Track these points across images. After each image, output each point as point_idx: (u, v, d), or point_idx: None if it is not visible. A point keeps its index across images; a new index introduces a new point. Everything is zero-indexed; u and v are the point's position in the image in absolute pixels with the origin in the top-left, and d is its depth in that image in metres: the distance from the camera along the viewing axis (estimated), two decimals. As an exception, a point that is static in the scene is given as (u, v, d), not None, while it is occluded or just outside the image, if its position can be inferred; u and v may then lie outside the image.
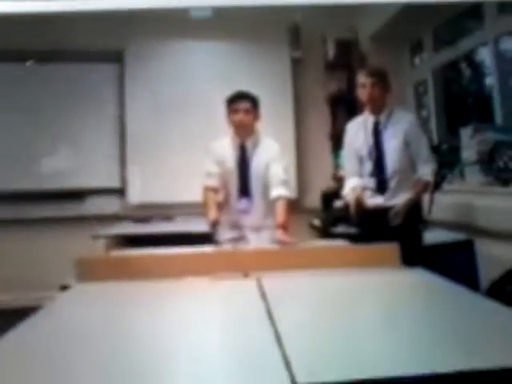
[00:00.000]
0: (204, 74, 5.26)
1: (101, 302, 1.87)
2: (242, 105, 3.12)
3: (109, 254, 2.92)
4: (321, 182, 5.17)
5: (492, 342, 1.30)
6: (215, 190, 3.15)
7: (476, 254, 3.36)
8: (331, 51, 5.35)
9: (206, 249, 2.60)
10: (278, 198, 3.01)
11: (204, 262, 2.21)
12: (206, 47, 5.36)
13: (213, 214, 2.98)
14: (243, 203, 3.17)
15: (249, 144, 3.18)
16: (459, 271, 2.96)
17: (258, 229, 3.16)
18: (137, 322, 1.58)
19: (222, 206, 3.15)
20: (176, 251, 2.50)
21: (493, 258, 3.17)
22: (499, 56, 3.86)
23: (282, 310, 1.64)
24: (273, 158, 3.14)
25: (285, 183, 3.09)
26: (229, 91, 3.22)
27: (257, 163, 3.16)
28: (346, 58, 5.28)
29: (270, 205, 3.06)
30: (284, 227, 2.88)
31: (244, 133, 3.17)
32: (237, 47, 5.33)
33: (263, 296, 1.81)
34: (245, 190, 3.17)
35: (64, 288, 2.09)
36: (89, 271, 2.16)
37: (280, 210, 2.97)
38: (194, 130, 5.07)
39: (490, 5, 3.74)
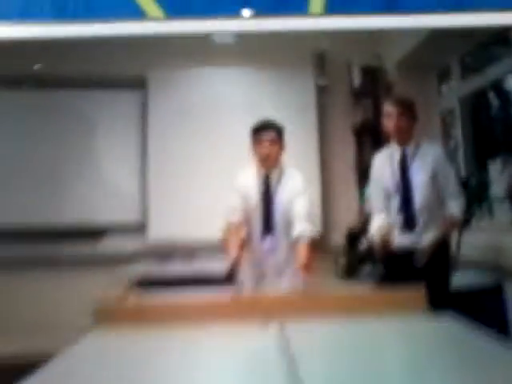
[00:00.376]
0: (228, 102, 5.24)
1: (111, 359, 1.80)
2: (267, 135, 3.05)
3: (127, 299, 2.86)
4: (347, 218, 5.05)
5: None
6: (238, 227, 3.06)
7: (506, 299, 3.24)
8: (357, 79, 5.32)
9: (226, 294, 2.54)
10: (302, 236, 2.90)
11: (223, 309, 2.16)
12: (230, 74, 5.36)
13: (234, 252, 2.89)
14: (268, 242, 3.06)
15: (274, 176, 3.11)
16: (489, 318, 2.88)
17: (279, 271, 3.05)
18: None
19: (244, 244, 3.06)
20: (195, 297, 2.41)
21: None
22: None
23: (307, 366, 1.57)
24: (297, 190, 3.05)
25: (309, 219, 2.97)
26: (253, 120, 3.18)
27: (281, 197, 3.07)
28: (372, 86, 5.23)
29: (294, 243, 2.95)
30: (307, 269, 2.76)
31: (269, 164, 3.10)
32: (261, 74, 5.31)
33: (285, 349, 1.74)
34: (268, 227, 3.07)
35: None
36: (107, 318, 2.13)
37: (302, 249, 2.84)
38: (218, 162, 5.01)
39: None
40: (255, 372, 1.57)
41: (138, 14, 2.21)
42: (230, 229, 3.05)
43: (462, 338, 1.88)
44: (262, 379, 1.50)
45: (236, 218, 3.07)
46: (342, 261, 4.39)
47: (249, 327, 2.05)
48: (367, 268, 3.86)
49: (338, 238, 4.92)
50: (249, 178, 3.14)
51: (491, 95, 4.73)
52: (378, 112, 4.16)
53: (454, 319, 2.07)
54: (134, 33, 2.24)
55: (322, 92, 5.40)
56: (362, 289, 2.82)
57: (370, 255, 3.48)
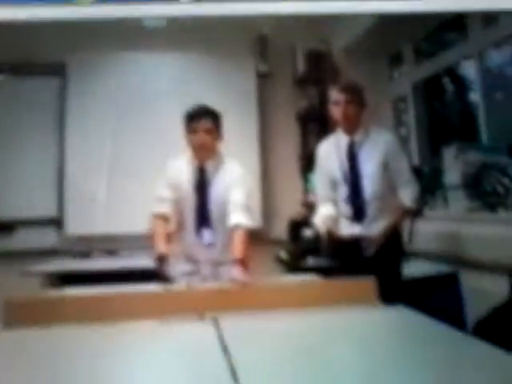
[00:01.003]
0: (158, 89, 5.23)
1: (28, 357, 1.77)
2: (202, 124, 3.02)
3: (42, 294, 2.83)
4: (289, 209, 5.12)
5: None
6: (166, 219, 3.05)
7: (462, 288, 3.38)
8: (301, 64, 5.40)
9: (154, 287, 2.54)
10: (237, 227, 2.88)
11: (152, 303, 2.17)
12: (161, 59, 5.35)
13: (161, 246, 2.87)
14: (203, 235, 3.06)
15: (209, 167, 3.09)
16: (443, 308, 2.99)
17: (216, 264, 3.06)
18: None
19: (172, 237, 3.06)
20: (119, 290, 2.44)
21: (480, 291, 3.19)
22: (484, 70, 3.93)
23: (244, 359, 1.59)
24: (234, 182, 3.04)
25: (246, 210, 2.97)
26: (186, 108, 3.13)
27: (217, 189, 3.06)
28: (318, 72, 5.33)
29: (230, 235, 2.94)
30: (243, 263, 2.74)
31: (204, 155, 3.07)
32: (196, 59, 5.34)
33: (222, 344, 1.75)
34: (204, 220, 3.07)
35: None
36: (19, 314, 2.09)
37: (238, 241, 2.83)
38: (144, 152, 5.01)
39: (474, 16, 3.82)
40: (189, 368, 1.59)
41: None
42: (156, 221, 3.03)
43: (414, 329, 1.95)
44: (196, 375, 1.52)
45: (163, 208, 3.06)
46: (284, 254, 4.45)
47: (182, 322, 2.05)
48: (312, 259, 3.91)
49: (281, 230, 5.00)
50: (180, 168, 3.13)
51: (445, 81, 4.90)
52: (323, 99, 4.25)
53: (406, 310, 2.14)
54: (61, 18, 2.24)
55: (263, 78, 5.45)
56: (306, 280, 2.85)
57: (315, 246, 3.54)
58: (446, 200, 3.90)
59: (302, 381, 1.43)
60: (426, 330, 1.91)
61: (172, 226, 3.07)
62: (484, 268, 3.19)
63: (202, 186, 3.08)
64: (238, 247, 2.81)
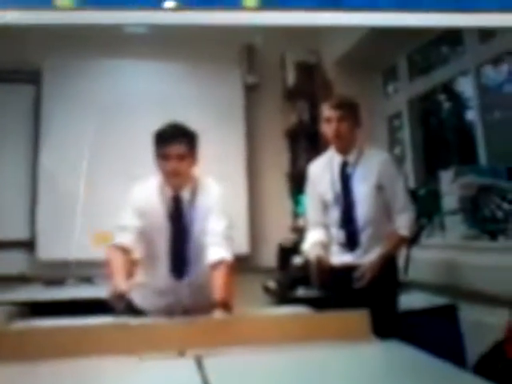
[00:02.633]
0: (139, 99, 5.12)
1: None
2: (176, 149, 2.76)
3: (9, 326, 2.75)
4: (278, 235, 5.02)
5: None
6: (126, 251, 2.78)
7: (460, 320, 3.36)
8: (291, 77, 5.37)
9: (132, 320, 2.47)
10: (219, 263, 2.70)
11: (128, 337, 2.11)
12: (143, 68, 5.28)
13: (120, 282, 2.60)
14: (184, 272, 2.85)
15: (185, 195, 2.87)
16: (441, 342, 2.97)
17: (196, 302, 2.81)
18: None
19: (135, 269, 2.85)
20: (96, 322, 2.38)
21: (480, 324, 3.17)
22: (482, 87, 3.94)
23: None
24: (213, 206, 2.86)
25: (227, 240, 2.79)
26: (167, 120, 2.93)
27: (195, 219, 2.86)
28: (309, 85, 5.30)
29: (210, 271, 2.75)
30: (226, 306, 2.59)
31: (178, 183, 2.86)
32: (179, 69, 5.27)
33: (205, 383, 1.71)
34: (181, 256, 2.85)
35: None
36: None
37: (221, 280, 2.65)
38: (125, 168, 4.83)
39: (470, 31, 3.84)
40: None
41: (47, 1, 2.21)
42: (115, 252, 2.78)
43: (410, 365, 1.93)
44: None
45: (125, 239, 2.81)
46: (272, 284, 4.40)
47: (162, 359, 2.02)
48: (302, 289, 3.87)
49: (269, 256, 4.90)
50: (150, 195, 2.90)
51: (442, 97, 4.92)
52: (314, 114, 4.23)
53: (402, 345, 2.12)
54: (39, 22, 2.23)
55: (250, 91, 5.41)
56: (295, 313, 2.82)
57: (305, 274, 3.50)
58: (443, 226, 3.89)
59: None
60: (422, 366, 1.90)
61: (135, 257, 2.85)
62: (484, 300, 3.17)
63: (177, 217, 2.87)
64: (221, 287, 2.64)
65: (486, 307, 3.17)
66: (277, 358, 2.02)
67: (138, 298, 2.84)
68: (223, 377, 1.79)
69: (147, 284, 2.86)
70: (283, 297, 4.06)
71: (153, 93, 5.17)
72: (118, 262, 2.72)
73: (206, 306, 2.66)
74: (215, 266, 2.71)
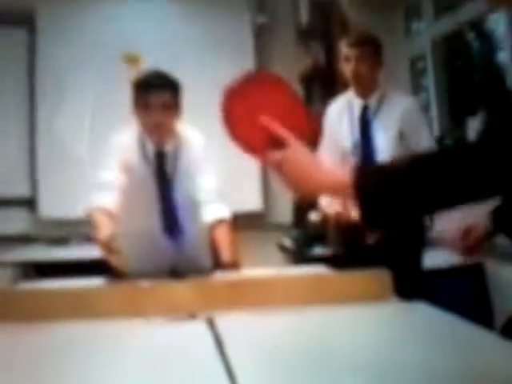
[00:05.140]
0: (142, 41, 5.03)
1: None
2: (159, 97, 2.67)
3: (13, 287, 2.74)
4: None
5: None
6: (108, 214, 2.66)
7: (488, 280, 3.33)
8: (305, 15, 5.29)
9: (141, 282, 2.44)
10: (220, 222, 2.71)
11: (137, 299, 2.08)
12: (144, 6, 5.18)
13: (104, 230, 2.51)
14: (171, 232, 2.81)
15: (169, 151, 2.81)
16: (468, 302, 2.95)
17: (194, 264, 2.80)
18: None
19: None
20: (101, 283, 2.38)
21: (509, 284, 3.15)
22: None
23: (243, 362, 1.52)
24: (200, 161, 2.82)
25: (221, 196, 2.79)
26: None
27: (182, 176, 2.81)
28: (324, 25, 5.18)
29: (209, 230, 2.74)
30: (235, 265, 2.60)
31: (161, 136, 2.79)
32: (185, 7, 5.18)
33: (218, 345, 1.68)
34: (171, 217, 2.81)
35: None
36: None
37: (225, 240, 2.66)
38: (128, 118, 4.82)
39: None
40: (182, 369, 1.52)
41: None
42: (97, 215, 2.66)
43: (435, 327, 1.89)
44: (191, 375, 1.47)
45: (104, 199, 2.70)
46: (288, 242, 4.39)
47: (172, 321, 1.99)
48: (319, 247, 3.86)
49: (283, 213, 4.90)
50: (131, 148, 2.82)
51: (470, 37, 4.81)
52: (330, 55, 4.14)
53: (427, 305, 2.09)
54: None
55: (261, 31, 5.37)
56: (314, 273, 2.78)
57: (322, 232, 3.47)
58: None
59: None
60: (448, 328, 1.85)
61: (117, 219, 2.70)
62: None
63: (162, 175, 2.81)
64: (227, 247, 2.65)
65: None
66: (293, 319, 1.99)
67: (122, 262, 2.79)
68: (236, 338, 1.76)
69: (133, 244, 2.80)
70: (299, 255, 4.06)
71: (158, 31, 5.09)
72: (98, 217, 2.64)
73: (197, 269, 2.69)
74: (215, 224, 2.72)
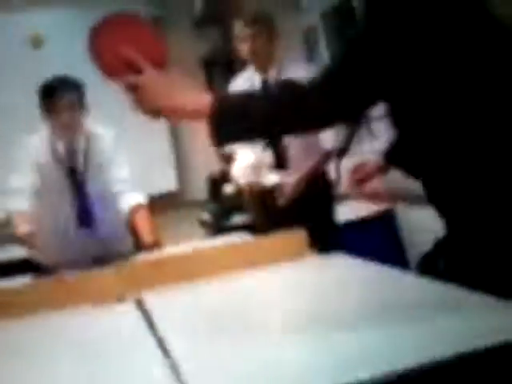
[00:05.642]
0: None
1: None
2: (66, 100, 2.81)
3: None
4: (207, 166, 5.06)
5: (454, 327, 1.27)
6: (24, 216, 2.77)
7: (398, 224, 3.46)
8: (198, 4, 5.30)
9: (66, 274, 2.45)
10: (138, 208, 2.87)
11: (62, 292, 2.06)
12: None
13: (23, 227, 2.65)
14: (86, 223, 2.91)
15: (79, 146, 2.93)
16: (383, 248, 3.05)
17: (111, 252, 2.86)
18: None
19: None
20: (23, 282, 2.37)
21: (417, 226, 3.25)
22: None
23: (179, 338, 1.48)
24: (109, 153, 2.95)
25: (134, 184, 2.94)
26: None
27: (94, 169, 2.94)
28: (218, 10, 5.24)
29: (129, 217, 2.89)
30: (158, 245, 2.75)
31: (70, 136, 2.91)
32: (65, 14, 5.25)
33: (150, 326, 1.66)
34: (85, 211, 2.91)
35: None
36: None
37: (145, 223, 2.83)
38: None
39: None
40: (117, 356, 1.48)
41: None
42: (14, 217, 2.79)
43: (357, 272, 1.97)
44: (126, 361, 1.43)
45: (23, 205, 2.80)
46: (206, 216, 4.48)
47: (99, 308, 1.99)
48: (237, 217, 3.96)
49: (199, 190, 4.97)
50: (41, 149, 2.92)
51: (355, 3, 4.88)
52: (227, 38, 4.17)
53: (345, 256, 2.16)
54: None
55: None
56: (231, 241, 2.82)
57: (238, 201, 3.52)
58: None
59: (243, 349, 1.35)
60: (367, 274, 1.91)
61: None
62: (420, 202, 3.24)
63: (74, 172, 2.92)
64: (149, 229, 2.80)
65: (423, 209, 3.24)
66: (219, 289, 2.02)
67: (43, 255, 2.86)
68: (166, 314, 1.77)
69: (52, 238, 2.89)
70: (219, 227, 4.12)
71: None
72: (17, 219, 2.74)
73: (119, 254, 2.76)
74: (134, 210, 2.86)
